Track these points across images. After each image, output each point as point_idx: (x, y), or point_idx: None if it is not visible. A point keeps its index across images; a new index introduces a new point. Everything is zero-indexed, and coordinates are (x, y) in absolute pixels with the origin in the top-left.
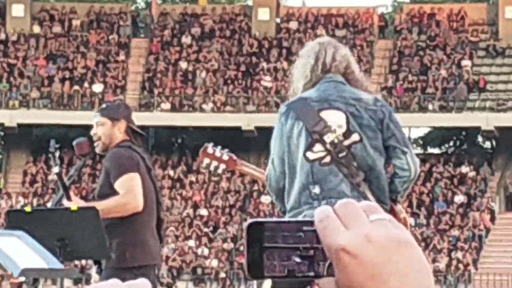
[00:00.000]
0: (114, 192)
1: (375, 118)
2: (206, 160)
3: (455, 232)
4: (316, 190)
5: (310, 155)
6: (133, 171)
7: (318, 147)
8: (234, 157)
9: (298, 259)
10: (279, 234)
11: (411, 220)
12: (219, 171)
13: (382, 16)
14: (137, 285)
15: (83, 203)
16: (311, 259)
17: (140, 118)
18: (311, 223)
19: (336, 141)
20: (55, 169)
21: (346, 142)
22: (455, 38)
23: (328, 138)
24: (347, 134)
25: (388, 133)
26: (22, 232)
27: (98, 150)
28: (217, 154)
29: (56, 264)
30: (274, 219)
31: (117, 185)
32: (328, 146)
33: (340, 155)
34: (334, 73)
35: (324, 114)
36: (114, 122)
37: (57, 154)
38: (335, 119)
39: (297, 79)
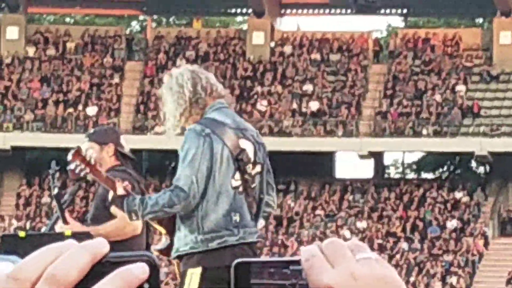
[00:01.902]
0: (110, 216)
1: (263, 151)
2: (76, 162)
3: (448, 257)
4: (237, 217)
5: (233, 182)
6: None
7: (237, 175)
8: (98, 166)
9: None
10: (266, 271)
11: (404, 245)
12: (82, 174)
13: (376, 40)
14: (93, 243)
15: (79, 226)
16: None
17: (134, 141)
18: (297, 262)
19: (250, 171)
20: (55, 191)
21: (253, 173)
22: (450, 63)
23: (249, 168)
24: (254, 165)
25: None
26: (16, 257)
27: (89, 177)
28: (87, 158)
29: None
30: (260, 258)
31: (114, 208)
32: (246, 176)
33: (252, 185)
34: (219, 98)
35: (241, 143)
36: (102, 146)
37: (57, 175)
38: (248, 149)
39: (174, 108)
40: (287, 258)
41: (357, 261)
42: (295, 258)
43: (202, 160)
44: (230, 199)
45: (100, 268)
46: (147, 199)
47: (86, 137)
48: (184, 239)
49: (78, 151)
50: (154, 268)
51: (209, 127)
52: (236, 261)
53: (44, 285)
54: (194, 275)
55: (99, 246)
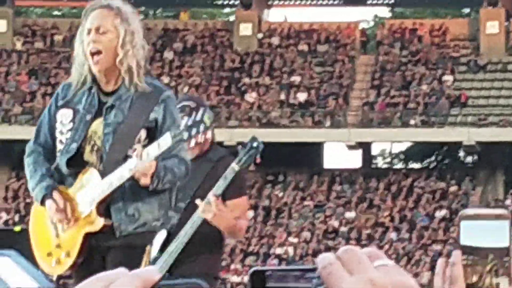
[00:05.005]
0: None
1: None
2: None
3: (437, 246)
4: None
5: None
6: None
7: None
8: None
9: None
10: (283, 281)
11: (393, 235)
12: None
13: (364, 31)
14: (144, 272)
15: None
16: None
17: None
18: (314, 270)
19: None
20: None
21: None
22: (437, 53)
23: None
24: None
25: None
26: (12, 251)
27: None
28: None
29: (46, 283)
30: (277, 267)
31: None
32: None
33: None
34: None
35: None
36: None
37: None
38: None
39: (143, 57)
40: (303, 266)
41: (375, 268)
42: (312, 266)
43: None
44: None
45: None
46: (168, 164)
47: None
48: (154, 213)
49: None
50: None
51: None
52: (253, 269)
53: None
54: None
55: (151, 274)
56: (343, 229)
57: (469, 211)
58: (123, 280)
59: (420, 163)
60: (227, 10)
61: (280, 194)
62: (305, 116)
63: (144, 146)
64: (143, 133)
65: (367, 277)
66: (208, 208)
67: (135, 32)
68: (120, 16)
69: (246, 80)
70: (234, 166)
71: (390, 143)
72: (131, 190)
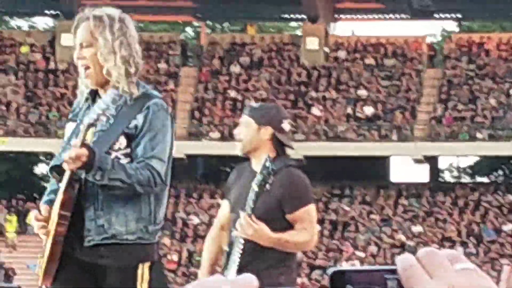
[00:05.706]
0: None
1: None
2: None
3: (504, 261)
4: None
5: None
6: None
7: None
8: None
9: None
10: (363, 281)
11: (460, 249)
12: None
13: (431, 45)
14: (241, 280)
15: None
16: None
17: (189, 147)
18: (393, 271)
19: None
20: None
21: None
22: (504, 67)
23: None
24: None
25: None
26: None
27: (239, 151)
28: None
29: None
30: (356, 267)
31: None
32: None
33: None
34: None
35: None
36: (259, 126)
37: None
38: None
39: (137, 55)
40: (383, 267)
41: (455, 272)
42: (391, 267)
43: (171, 146)
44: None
45: None
46: (122, 163)
47: (247, 111)
48: (128, 226)
49: None
50: None
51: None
52: (332, 269)
53: None
54: (145, 269)
55: (250, 281)
56: (410, 243)
57: None
58: None
59: (487, 177)
60: (294, 24)
61: (347, 208)
62: (372, 130)
63: (125, 154)
64: (123, 140)
65: (448, 281)
66: (243, 226)
67: (122, 35)
68: (101, 24)
69: (313, 94)
70: (254, 186)
71: (457, 157)
72: (105, 201)
